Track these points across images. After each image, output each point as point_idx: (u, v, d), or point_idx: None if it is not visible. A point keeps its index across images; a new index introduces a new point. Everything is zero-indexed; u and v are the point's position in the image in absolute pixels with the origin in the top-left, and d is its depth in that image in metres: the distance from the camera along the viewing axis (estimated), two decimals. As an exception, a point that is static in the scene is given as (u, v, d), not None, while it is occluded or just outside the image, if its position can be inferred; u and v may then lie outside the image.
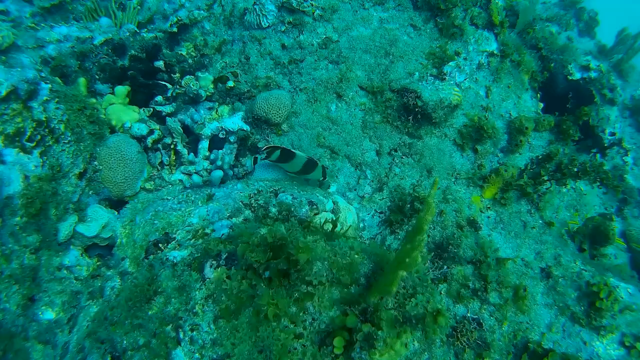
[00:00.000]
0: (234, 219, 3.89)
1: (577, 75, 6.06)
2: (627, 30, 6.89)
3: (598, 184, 5.15)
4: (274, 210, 3.95)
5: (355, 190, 4.72)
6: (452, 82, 4.85)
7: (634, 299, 4.56)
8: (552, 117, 5.35)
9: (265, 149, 4.20)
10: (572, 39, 6.79)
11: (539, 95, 5.74)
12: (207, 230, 3.61)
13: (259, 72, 5.03)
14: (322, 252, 3.22)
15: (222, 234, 3.53)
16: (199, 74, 4.97)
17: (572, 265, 4.70)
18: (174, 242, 3.70)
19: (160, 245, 3.67)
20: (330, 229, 3.66)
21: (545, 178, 4.70)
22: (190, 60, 5.06)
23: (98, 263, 3.94)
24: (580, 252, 5.07)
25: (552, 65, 6.02)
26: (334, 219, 4.05)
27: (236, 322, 3.04)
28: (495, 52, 5.26)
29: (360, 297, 3.16)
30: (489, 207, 4.74)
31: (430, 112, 4.67)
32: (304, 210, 4.00)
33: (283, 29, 5.11)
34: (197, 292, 3.15)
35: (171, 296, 3.20)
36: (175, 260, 3.37)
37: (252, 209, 4.00)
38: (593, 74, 6.02)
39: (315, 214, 4.09)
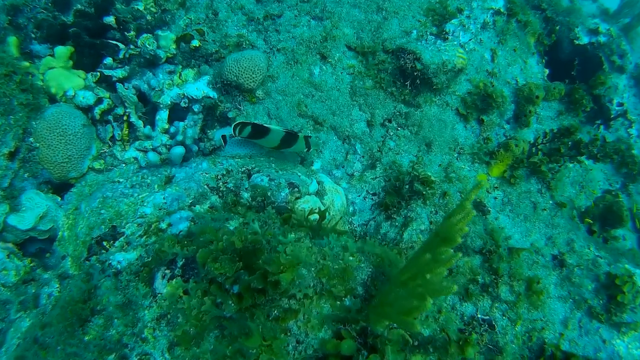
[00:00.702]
0: (197, 206, 3.00)
1: (585, 40, 5.22)
2: (634, -9, 6.01)
3: (625, 169, 4.37)
4: (246, 195, 3.08)
5: (343, 167, 3.86)
6: (455, 43, 3.95)
7: (651, 287, 3.85)
8: (563, 85, 4.52)
9: (234, 126, 3.30)
10: (573, 1, 5.90)
11: (544, 60, 4.89)
12: (162, 225, 2.72)
13: (229, 30, 4.04)
14: (307, 255, 2.37)
15: (180, 231, 2.64)
16: (159, 32, 3.97)
17: (586, 252, 3.96)
18: (122, 238, 2.80)
19: (104, 243, 2.78)
20: (317, 220, 2.79)
21: (564, 154, 3.89)
22: (148, 17, 4.04)
23: (32, 264, 3.02)
24: (590, 235, 4.33)
25: (557, 28, 5.15)
26: (321, 207, 3.19)
27: (197, 351, 2.21)
28: (502, 10, 4.35)
29: (358, 313, 2.34)
30: (496, 187, 3.93)
31: (431, 76, 3.79)
32: (283, 194, 3.13)
33: (258, -21, 4.12)
34: (146, 312, 2.29)
35: (113, 316, 2.33)
36: (119, 267, 2.48)
37: (220, 194, 3.12)
38: (602, 39, 5.18)
39: (297, 198, 3.22)
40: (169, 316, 2.26)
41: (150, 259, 2.48)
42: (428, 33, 4.00)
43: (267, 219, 2.76)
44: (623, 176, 5.09)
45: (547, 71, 4.85)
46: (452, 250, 2.11)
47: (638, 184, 5.04)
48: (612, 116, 5.18)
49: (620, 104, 5.18)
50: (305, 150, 3.60)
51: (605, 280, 3.72)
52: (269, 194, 3.07)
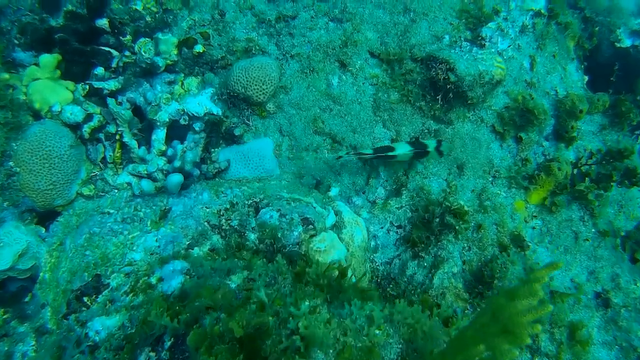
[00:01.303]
0: (195, 249, 2.44)
1: (627, 42, 4.50)
2: (680, -14, 5.21)
3: None
4: (252, 237, 2.50)
5: (363, 193, 3.25)
6: (493, 50, 3.29)
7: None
8: (607, 97, 3.83)
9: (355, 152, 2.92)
10: (612, -2, 5.14)
11: (583, 66, 4.19)
12: (152, 279, 2.16)
13: (237, 33, 3.41)
14: (325, 333, 1.80)
15: (173, 290, 2.07)
16: (160, 35, 3.35)
17: (632, 288, 3.36)
18: (106, 292, 2.25)
19: (85, 299, 2.23)
20: (336, 278, 2.20)
21: (615, 182, 3.25)
22: (148, 18, 3.41)
23: (5, 316, 2.49)
24: (633, 264, 3.70)
25: (597, 29, 4.43)
26: (341, 251, 2.60)
27: None
28: (542, 11, 3.66)
29: (387, 411, 1.78)
30: (535, 216, 3.31)
31: (466, 90, 3.14)
32: (295, 233, 2.55)
33: (270, -25, 3.46)
34: (123, 407, 1.74)
35: (84, 409, 1.79)
36: (97, 339, 1.94)
37: (223, 233, 2.54)
38: (647, 41, 4.45)
39: (312, 236, 2.64)
40: (152, 415, 1.72)
41: (134, 330, 1.93)
42: (462, 38, 3.34)
43: (277, 274, 2.19)
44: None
45: (586, 78, 4.16)
46: (517, 352, 1.54)
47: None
48: (653, 127, 4.48)
49: (664, 114, 4.48)
50: (440, 157, 3.15)
51: (658, 325, 3.12)
52: (279, 234, 2.49)
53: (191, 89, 3.28)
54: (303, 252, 2.46)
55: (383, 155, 2.84)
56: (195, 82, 3.31)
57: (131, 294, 2.14)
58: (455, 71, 3.12)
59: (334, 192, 3.17)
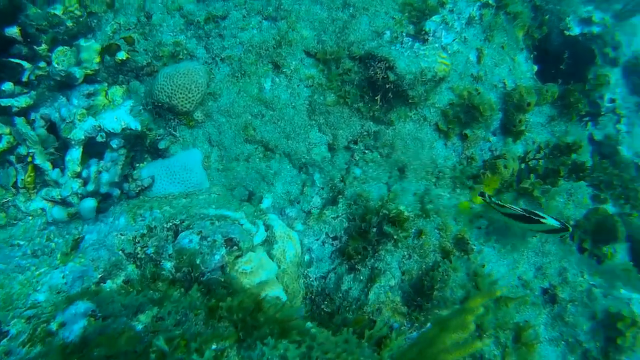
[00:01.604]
0: (108, 282, 2.18)
1: (576, 30, 4.27)
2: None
3: (622, 201, 3.59)
4: (168, 265, 2.24)
5: (298, 203, 3.00)
6: (437, 45, 3.02)
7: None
8: (556, 87, 3.60)
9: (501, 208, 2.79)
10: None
11: (533, 55, 3.95)
12: (53, 325, 1.89)
13: (163, 36, 3.08)
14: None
15: (74, 337, 1.81)
16: (82, 42, 3.01)
17: (579, 281, 3.21)
18: (5, 341, 1.98)
19: (-21, 349, 1.95)
20: (252, 310, 1.96)
21: (562, 177, 3.05)
22: (69, 23, 3.04)
23: None
24: (580, 253, 3.55)
25: (547, 17, 4.18)
26: (271, 269, 2.36)
27: None
28: (490, 1, 3.38)
29: None
30: (480, 215, 3.10)
31: (406, 89, 2.88)
32: (217, 257, 2.30)
33: (197, -28, 3.12)
34: None
35: None
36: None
37: (138, 263, 2.28)
38: (596, 29, 4.23)
39: (237, 257, 2.39)
40: None
41: (20, 391, 1.68)
42: (404, 34, 3.05)
43: (189, 310, 1.95)
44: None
45: (535, 68, 3.93)
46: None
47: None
48: (602, 113, 4.28)
49: (612, 100, 4.29)
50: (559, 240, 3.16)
51: (604, 319, 2.97)
52: (197, 261, 2.23)
53: (115, 99, 2.96)
54: (224, 279, 2.21)
55: (534, 218, 2.62)
56: (120, 92, 2.99)
57: (28, 344, 1.88)
58: (395, 69, 2.86)
59: (266, 203, 2.91)
